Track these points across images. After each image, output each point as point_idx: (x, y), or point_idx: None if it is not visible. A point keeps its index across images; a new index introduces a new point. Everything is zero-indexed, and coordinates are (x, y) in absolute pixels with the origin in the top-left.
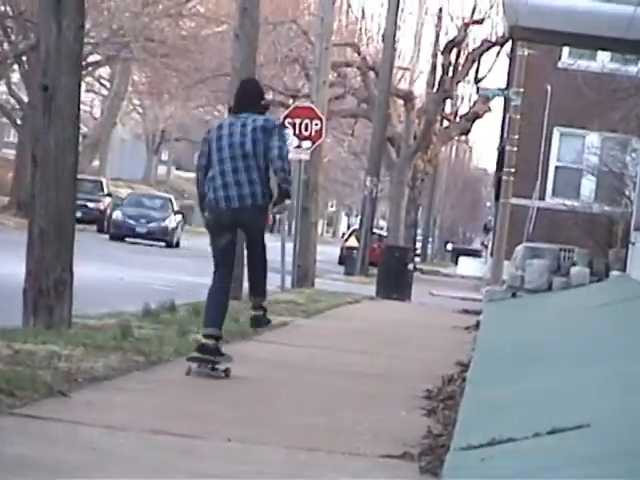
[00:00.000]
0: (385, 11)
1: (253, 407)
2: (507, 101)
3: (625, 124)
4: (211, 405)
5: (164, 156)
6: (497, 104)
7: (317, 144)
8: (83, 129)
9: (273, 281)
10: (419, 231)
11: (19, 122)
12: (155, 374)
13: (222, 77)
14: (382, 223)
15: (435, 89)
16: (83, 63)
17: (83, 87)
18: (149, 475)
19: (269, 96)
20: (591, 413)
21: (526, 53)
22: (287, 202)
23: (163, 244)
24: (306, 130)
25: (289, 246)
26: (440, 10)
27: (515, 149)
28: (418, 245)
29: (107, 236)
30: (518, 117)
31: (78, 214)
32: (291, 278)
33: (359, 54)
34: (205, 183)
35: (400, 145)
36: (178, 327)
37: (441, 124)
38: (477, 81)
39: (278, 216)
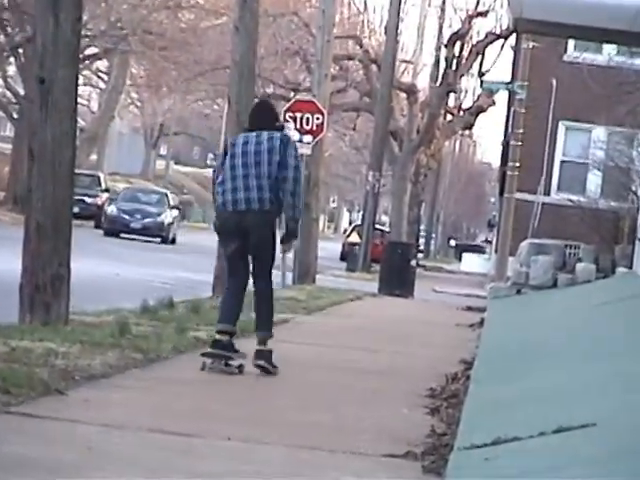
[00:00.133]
0: (387, 3)
1: (253, 405)
2: (512, 95)
3: (632, 118)
4: (210, 403)
5: (163, 150)
6: (501, 98)
7: (318, 138)
8: (80, 123)
9: (273, 277)
10: (422, 227)
11: (15, 116)
12: (153, 372)
13: (222, 70)
14: (384, 219)
15: (438, 82)
16: (80, 56)
17: (80, 80)
18: (147, 475)
19: (269, 89)
20: (597, 412)
21: (531, 46)
22: (294, 241)
23: (159, 240)
24: (307, 124)
25: None
26: (443, 2)
27: (520, 143)
28: (421, 241)
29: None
30: (523, 111)
31: (75, 209)
32: (292, 275)
33: (361, 47)
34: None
35: (403, 139)
36: (176, 324)
37: (444, 118)
38: (481, 74)
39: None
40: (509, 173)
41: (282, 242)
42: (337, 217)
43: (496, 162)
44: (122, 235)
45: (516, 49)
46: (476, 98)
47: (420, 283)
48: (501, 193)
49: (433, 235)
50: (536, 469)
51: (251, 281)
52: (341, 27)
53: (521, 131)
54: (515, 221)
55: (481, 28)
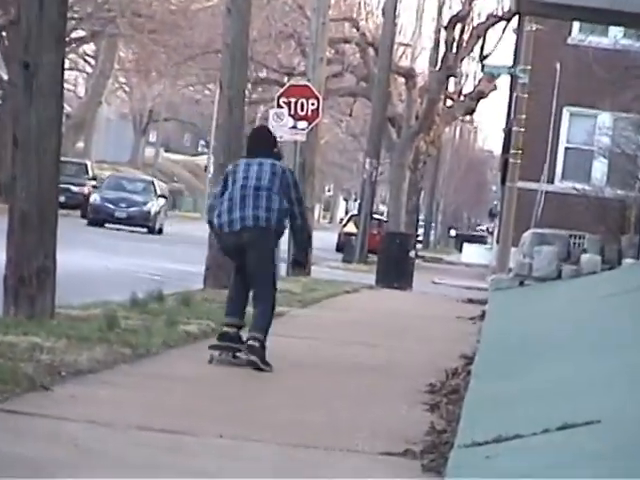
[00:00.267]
0: None
1: (246, 402)
2: (514, 79)
3: (639, 103)
4: (201, 400)
5: (152, 137)
6: (503, 82)
7: (313, 125)
8: (66, 109)
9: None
10: (421, 216)
11: None
12: (142, 367)
13: (213, 54)
14: (382, 208)
15: (438, 66)
16: (66, 39)
17: (66, 64)
18: (136, 474)
19: (263, 74)
20: (603, 407)
21: (534, 28)
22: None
23: (145, 230)
24: (302, 110)
25: None
26: None
27: (522, 130)
28: (420, 231)
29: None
30: (525, 96)
31: (61, 198)
32: (286, 266)
33: (358, 29)
34: (214, 209)
35: (401, 126)
36: (167, 318)
37: (444, 103)
38: (482, 58)
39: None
40: (511, 160)
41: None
42: (333, 206)
43: (498, 149)
44: (107, 225)
45: (518, 32)
46: (477, 83)
47: (419, 275)
48: (503, 181)
49: (432, 225)
50: (539, 467)
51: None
52: (337, 9)
53: (524, 117)
54: (518, 210)
55: (482, 10)
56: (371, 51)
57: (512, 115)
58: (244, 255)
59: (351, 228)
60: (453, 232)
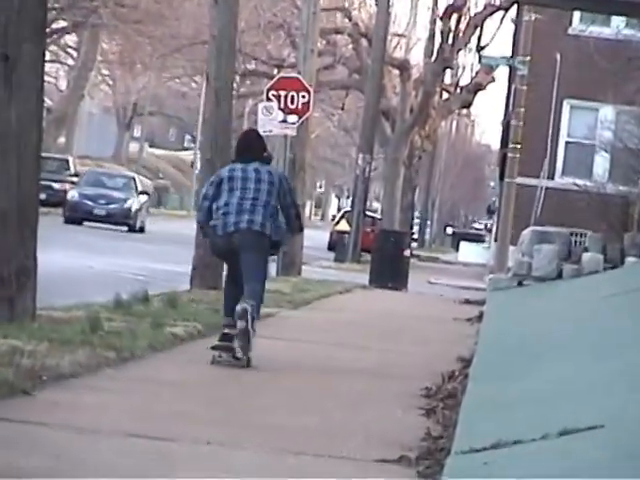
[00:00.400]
0: None
1: (235, 407)
2: (512, 71)
3: None
4: (189, 405)
5: (136, 132)
6: (502, 74)
7: (304, 118)
8: (47, 102)
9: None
10: (416, 214)
11: None
12: (127, 371)
13: (200, 45)
14: (376, 205)
15: (434, 58)
16: (47, 30)
17: (47, 56)
18: None
19: (251, 66)
20: (605, 412)
21: (533, 18)
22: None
23: (125, 228)
24: (292, 103)
25: None
26: None
27: (521, 123)
28: (415, 229)
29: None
30: (524, 88)
31: (42, 196)
32: (276, 266)
33: (350, 20)
34: (207, 213)
35: (395, 119)
36: (152, 319)
37: (440, 96)
38: (480, 49)
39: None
40: (510, 155)
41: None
42: (325, 203)
43: (496, 144)
44: (85, 223)
45: (517, 22)
46: (474, 75)
47: (414, 274)
48: (501, 177)
49: (428, 222)
50: (539, 475)
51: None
52: None
53: (523, 110)
54: (516, 207)
55: None
56: (364, 42)
57: (511, 108)
58: (236, 257)
59: (343, 226)
60: (449, 230)
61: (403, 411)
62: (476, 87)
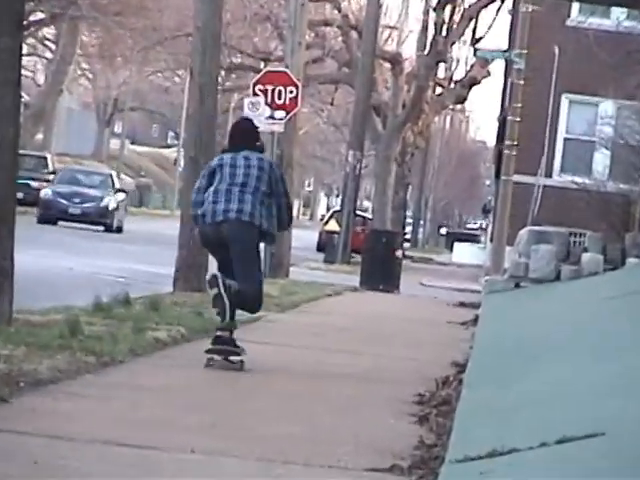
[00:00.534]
0: None
1: (220, 414)
2: (509, 64)
3: None
4: (172, 411)
5: (117, 128)
6: (497, 68)
7: (292, 114)
8: (25, 97)
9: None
10: (409, 213)
11: None
12: (108, 377)
13: (183, 38)
14: (366, 204)
15: (427, 51)
16: (24, 22)
17: (24, 49)
18: None
19: (237, 59)
20: (606, 419)
21: (530, 9)
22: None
23: (101, 228)
24: (279, 98)
25: None
26: None
27: (518, 119)
28: (408, 229)
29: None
30: (521, 83)
31: (19, 195)
32: (263, 267)
33: (340, 11)
34: (201, 207)
35: (387, 115)
36: (133, 323)
37: (433, 91)
38: (474, 42)
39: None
40: (506, 152)
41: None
42: (313, 202)
43: (492, 140)
44: (60, 223)
45: (514, 13)
46: (469, 68)
47: (406, 276)
48: (497, 175)
49: (421, 222)
50: None
51: None
52: None
53: (519, 105)
54: (513, 206)
55: None
56: (354, 34)
57: (507, 103)
58: (225, 250)
59: (333, 226)
60: (443, 230)
61: (395, 418)
62: (471, 81)
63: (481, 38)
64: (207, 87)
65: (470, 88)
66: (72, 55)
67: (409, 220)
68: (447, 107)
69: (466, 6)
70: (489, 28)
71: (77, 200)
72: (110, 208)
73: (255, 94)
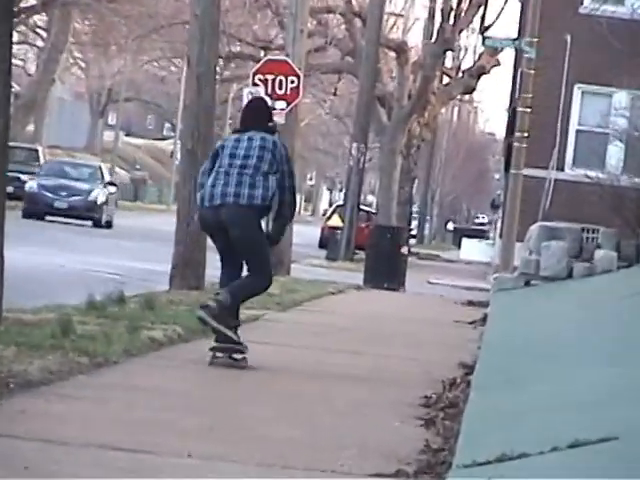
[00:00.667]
0: None
1: (217, 416)
2: (519, 53)
3: None
4: (168, 414)
5: (111, 119)
6: (507, 57)
7: (293, 105)
8: (15, 87)
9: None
10: (415, 208)
11: None
12: (101, 378)
13: (180, 26)
14: (371, 199)
15: (433, 39)
16: (15, 9)
17: (15, 37)
18: None
19: (236, 48)
20: (619, 422)
21: None
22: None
23: (89, 223)
24: (280, 88)
25: None
26: None
27: (529, 110)
28: (414, 224)
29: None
30: (532, 72)
31: (9, 189)
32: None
33: None
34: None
35: (392, 106)
36: (128, 322)
37: (441, 81)
38: (483, 29)
39: None
40: (516, 145)
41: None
42: (315, 197)
43: (501, 132)
44: (47, 217)
45: (524, 0)
46: (477, 57)
47: (412, 274)
48: (507, 168)
49: (428, 217)
50: None
51: None
52: None
53: (530, 96)
54: (523, 201)
55: None
56: (358, 22)
57: (517, 94)
58: (224, 234)
59: (336, 221)
60: (451, 226)
61: (400, 421)
62: (479, 71)
63: (490, 26)
64: (205, 77)
65: (478, 78)
66: (64, 43)
67: (415, 215)
68: (455, 98)
69: None
70: (498, 15)
71: (63, 193)
72: (99, 202)
73: (255, 84)
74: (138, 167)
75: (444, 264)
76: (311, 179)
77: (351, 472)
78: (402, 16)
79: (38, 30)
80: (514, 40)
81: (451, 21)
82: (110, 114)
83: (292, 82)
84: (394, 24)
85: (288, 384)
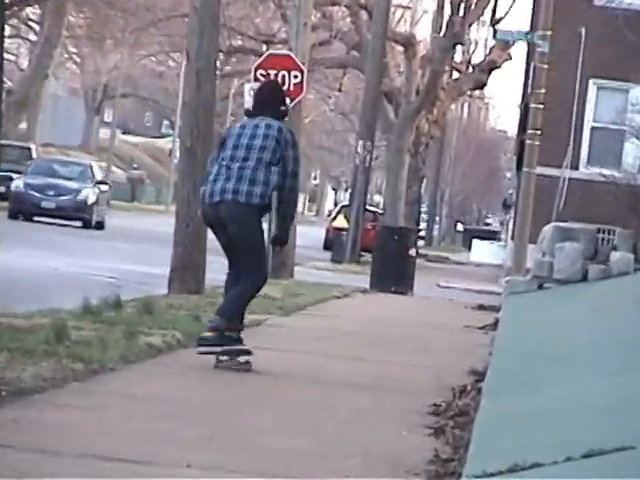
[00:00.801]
0: None
1: (217, 425)
2: (531, 47)
3: None
4: (166, 423)
5: (107, 116)
6: (519, 51)
7: (297, 101)
8: (7, 83)
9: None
10: (423, 208)
11: None
12: (97, 385)
13: (179, 19)
14: (377, 198)
15: (442, 32)
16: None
17: (7, 31)
18: None
19: (237, 42)
20: (634, 430)
21: None
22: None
23: (79, 223)
24: (283, 84)
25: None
26: None
27: (542, 106)
28: (422, 225)
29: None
30: (545, 67)
31: (1, 188)
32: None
33: None
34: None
35: (399, 102)
36: (125, 328)
37: (450, 76)
38: (494, 22)
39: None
40: (529, 142)
41: (272, 243)
42: (320, 197)
43: (513, 129)
44: (35, 218)
45: None
46: (488, 51)
47: (421, 276)
48: (519, 167)
49: (437, 218)
50: None
51: None
52: None
53: (543, 91)
54: (536, 201)
55: None
56: (364, 15)
57: (529, 89)
58: (226, 232)
59: (341, 222)
60: (460, 227)
61: (408, 430)
62: (490, 65)
63: (501, 18)
64: (205, 72)
65: (489, 73)
66: (58, 37)
67: (423, 216)
68: (464, 93)
69: None
70: (510, 7)
71: (51, 193)
72: (88, 202)
73: (257, 79)
74: (135, 166)
75: (454, 267)
76: (315, 178)
77: None
78: (410, 8)
79: (31, 23)
80: (526, 33)
81: (461, 13)
82: (106, 111)
83: (295, 77)
84: (401, 17)
85: (291, 391)
